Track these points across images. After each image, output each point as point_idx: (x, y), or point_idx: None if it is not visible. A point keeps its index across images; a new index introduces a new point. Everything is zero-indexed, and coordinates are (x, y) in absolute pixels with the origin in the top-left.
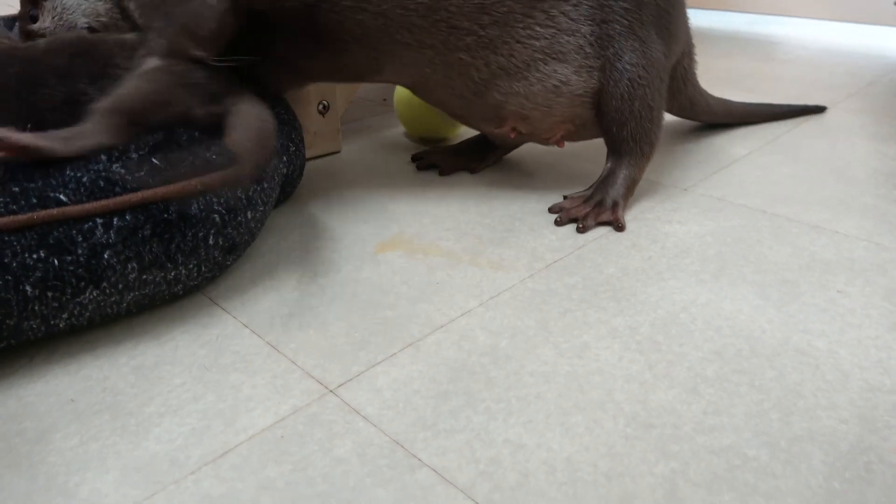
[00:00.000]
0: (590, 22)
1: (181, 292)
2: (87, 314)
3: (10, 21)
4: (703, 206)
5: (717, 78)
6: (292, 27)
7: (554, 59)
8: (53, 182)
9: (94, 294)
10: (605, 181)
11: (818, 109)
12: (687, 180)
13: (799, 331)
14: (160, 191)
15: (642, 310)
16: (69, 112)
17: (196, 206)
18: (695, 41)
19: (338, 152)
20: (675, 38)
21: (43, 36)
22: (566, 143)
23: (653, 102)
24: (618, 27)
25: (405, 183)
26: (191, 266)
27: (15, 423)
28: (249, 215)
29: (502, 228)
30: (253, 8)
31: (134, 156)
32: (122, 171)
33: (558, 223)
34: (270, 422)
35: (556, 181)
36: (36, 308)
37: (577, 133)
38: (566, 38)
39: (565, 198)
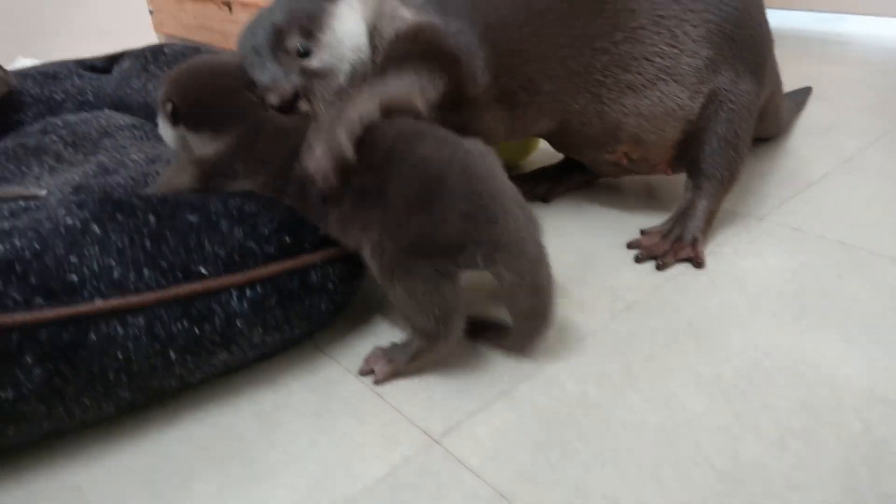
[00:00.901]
0: (710, 47)
1: (292, 345)
2: (216, 370)
3: (107, 61)
4: (779, 238)
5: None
6: (484, 101)
7: (674, 81)
8: (196, 256)
9: (225, 356)
10: (684, 214)
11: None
12: (762, 207)
13: (885, 378)
14: (287, 263)
15: (726, 355)
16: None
17: (314, 276)
18: None
19: None
20: (766, 75)
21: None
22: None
23: (741, 133)
24: (729, 55)
25: None
26: (304, 326)
27: (157, 471)
28: (356, 283)
29: (581, 265)
30: (464, 93)
31: (264, 231)
32: (254, 245)
33: (639, 260)
34: (384, 471)
35: (630, 212)
36: (177, 370)
37: (680, 158)
38: (687, 59)
39: (643, 233)
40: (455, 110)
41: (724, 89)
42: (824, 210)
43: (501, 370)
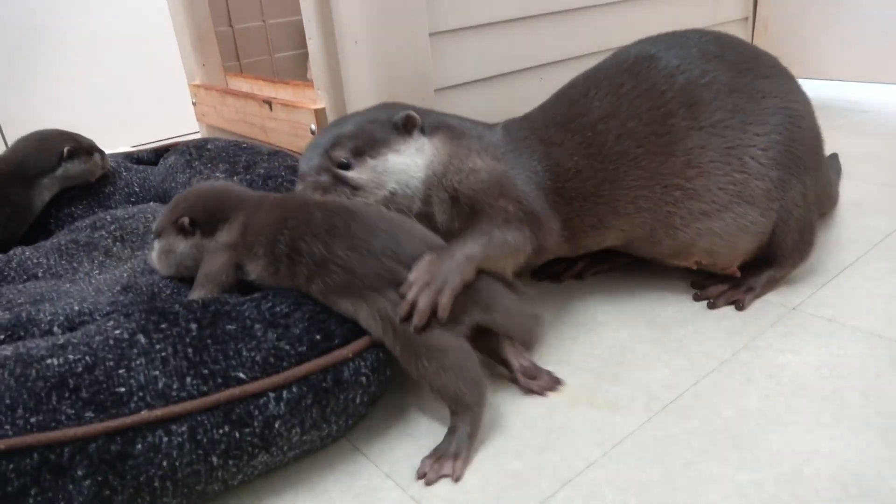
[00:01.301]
0: (778, 167)
1: (329, 443)
2: (257, 472)
3: (153, 154)
4: (814, 330)
5: None
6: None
7: (746, 202)
8: (234, 363)
9: (265, 457)
10: (751, 272)
11: None
12: (795, 296)
13: None
14: (320, 362)
15: (765, 462)
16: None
17: (347, 371)
18: None
19: None
20: (823, 165)
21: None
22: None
23: (810, 225)
24: (795, 170)
25: None
26: (341, 422)
27: None
28: (388, 371)
29: (614, 361)
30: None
31: (296, 331)
32: (287, 347)
33: (696, 298)
34: None
35: (663, 300)
36: (219, 474)
37: (750, 263)
38: (756, 182)
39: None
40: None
41: (795, 201)
42: (859, 298)
43: (539, 476)
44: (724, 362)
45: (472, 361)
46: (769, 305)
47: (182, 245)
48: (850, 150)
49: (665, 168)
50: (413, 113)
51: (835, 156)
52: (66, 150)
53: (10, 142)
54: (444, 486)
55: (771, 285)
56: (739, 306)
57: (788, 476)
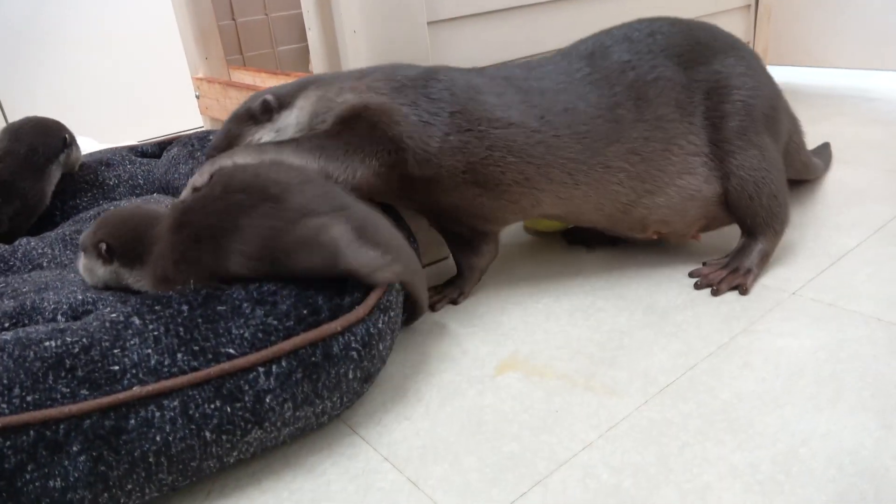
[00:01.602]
0: (709, 143)
1: (326, 422)
2: (252, 450)
3: (157, 147)
4: (813, 315)
5: (813, 147)
6: (456, 181)
7: (687, 174)
8: (224, 339)
9: (259, 433)
10: (740, 252)
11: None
12: (795, 281)
13: None
14: (308, 336)
15: (761, 443)
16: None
17: (337, 345)
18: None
19: (447, 258)
20: (783, 128)
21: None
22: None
23: (778, 192)
24: (736, 143)
25: (514, 291)
26: (335, 399)
27: None
28: (381, 346)
29: (612, 345)
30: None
31: (283, 307)
32: (275, 322)
33: (697, 287)
34: None
35: (657, 286)
36: (213, 450)
37: (709, 225)
38: (693, 158)
39: (704, 264)
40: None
41: (745, 168)
42: (859, 283)
43: (536, 457)
44: (721, 346)
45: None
46: (768, 291)
47: (101, 270)
48: (857, 138)
49: (609, 151)
50: (268, 97)
51: (826, 145)
52: (67, 136)
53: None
54: (440, 467)
55: (765, 261)
56: (743, 290)
57: (784, 456)
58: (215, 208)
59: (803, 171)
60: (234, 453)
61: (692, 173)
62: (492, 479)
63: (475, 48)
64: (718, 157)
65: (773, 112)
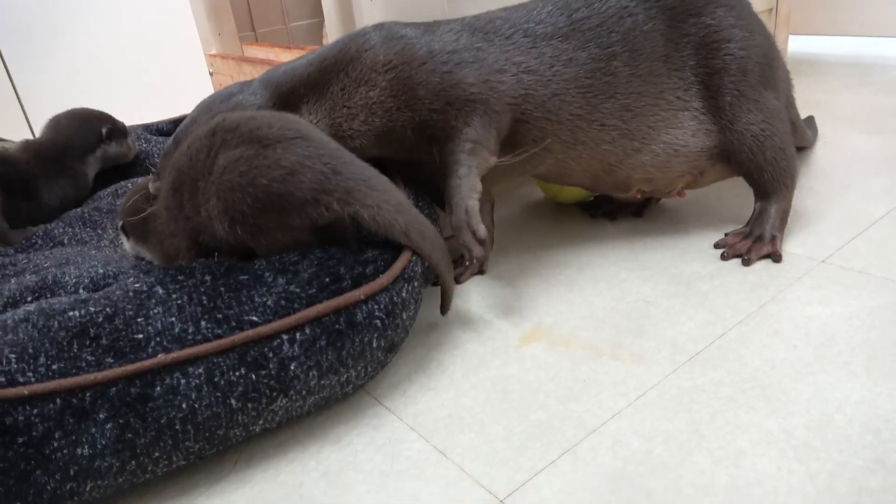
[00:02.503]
0: (700, 98)
1: (351, 391)
2: (278, 419)
3: (172, 125)
4: (844, 283)
5: (839, 117)
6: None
7: (673, 128)
8: (246, 307)
9: (284, 401)
10: (759, 217)
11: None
12: (824, 249)
13: None
14: (331, 303)
15: (795, 410)
16: None
17: (360, 314)
18: (809, 71)
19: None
20: (780, 78)
21: None
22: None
23: (783, 144)
24: (728, 98)
25: (536, 263)
26: (359, 368)
27: None
28: (405, 315)
29: (638, 315)
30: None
31: (305, 275)
32: (297, 290)
33: (724, 258)
34: None
35: (682, 255)
36: (239, 418)
37: (697, 182)
38: (682, 113)
39: (727, 234)
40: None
41: (742, 122)
42: (890, 251)
43: (564, 425)
44: (750, 315)
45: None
46: (796, 259)
47: (128, 247)
48: (882, 106)
49: (605, 107)
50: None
51: (811, 118)
52: (104, 130)
53: (31, 116)
54: (467, 435)
55: (785, 219)
56: (776, 258)
57: (819, 423)
58: (196, 148)
59: (793, 132)
60: (260, 422)
61: (679, 127)
62: (519, 447)
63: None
64: (711, 112)
65: (768, 61)
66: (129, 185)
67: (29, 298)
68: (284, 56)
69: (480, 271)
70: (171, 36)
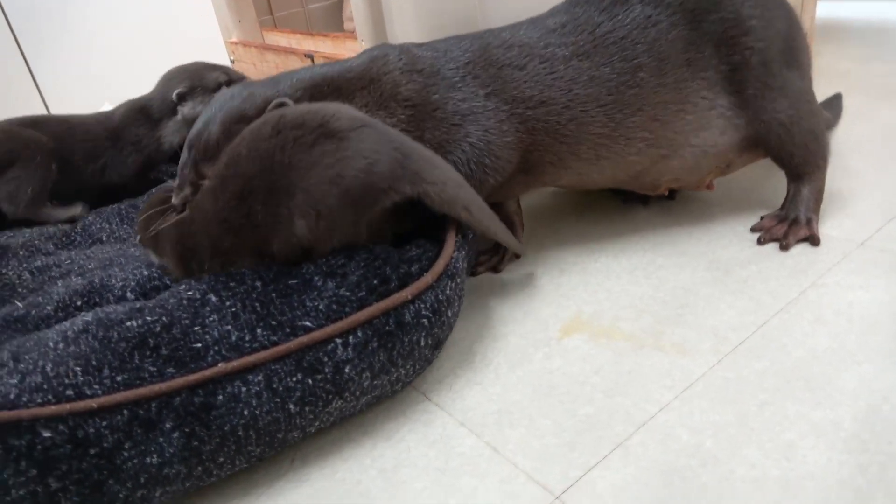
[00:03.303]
0: (726, 94)
1: (399, 389)
2: (332, 419)
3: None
4: (884, 266)
5: (869, 88)
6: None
7: (702, 130)
8: (299, 313)
9: (339, 403)
10: (793, 200)
11: None
12: (862, 231)
13: None
14: (381, 305)
15: (841, 400)
16: None
17: (408, 314)
18: (836, 38)
19: None
20: (804, 55)
21: None
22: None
23: (811, 126)
24: (752, 91)
25: (570, 250)
26: (408, 366)
27: None
28: (450, 313)
29: (677, 304)
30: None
31: (353, 278)
32: (348, 293)
33: (761, 242)
34: None
35: (718, 240)
36: (297, 421)
37: (724, 174)
38: (708, 112)
39: (762, 218)
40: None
41: (769, 111)
42: None
43: (612, 419)
44: (791, 302)
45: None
46: (834, 242)
47: (154, 258)
48: None
49: (632, 122)
50: (284, 100)
51: (838, 96)
52: (176, 92)
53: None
54: (517, 430)
55: (819, 199)
56: (815, 241)
57: (866, 414)
58: (264, 150)
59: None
60: (316, 423)
61: (707, 128)
62: (570, 442)
63: None
64: (738, 106)
65: (790, 43)
66: (168, 184)
67: (78, 303)
68: (306, 43)
69: (516, 255)
70: (190, 24)
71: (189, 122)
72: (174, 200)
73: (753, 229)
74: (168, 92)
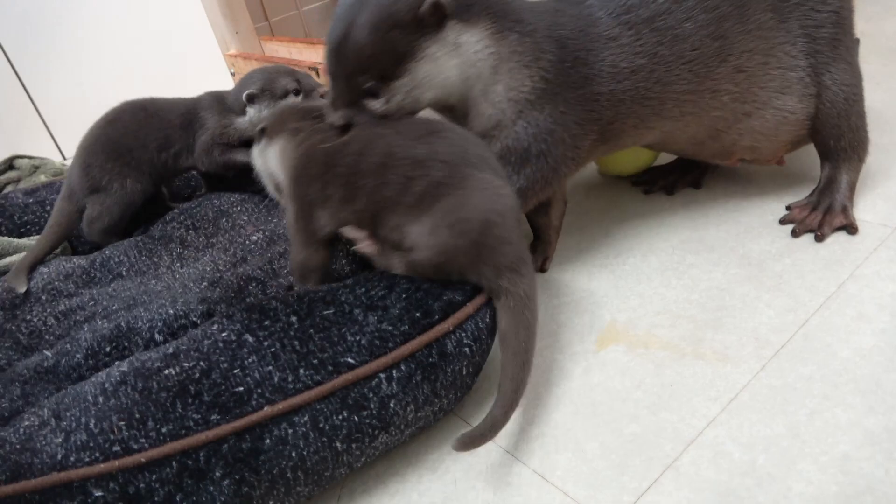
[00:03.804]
0: (805, 55)
1: (442, 417)
2: (378, 453)
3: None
4: None
5: (889, 50)
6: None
7: (783, 93)
8: (340, 349)
9: (385, 437)
10: (827, 187)
11: None
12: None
13: None
14: (423, 338)
15: (894, 404)
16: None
17: (450, 344)
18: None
19: None
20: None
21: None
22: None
23: (863, 112)
24: (829, 55)
25: (596, 252)
26: (451, 396)
27: None
28: (490, 340)
29: (713, 306)
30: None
31: (395, 311)
32: (390, 328)
33: (795, 235)
34: None
35: (747, 232)
36: (344, 458)
37: (792, 150)
38: (791, 73)
39: (788, 208)
40: None
41: (838, 83)
42: None
43: (660, 438)
44: (830, 297)
45: None
46: (867, 226)
47: (255, 149)
48: None
49: (717, 73)
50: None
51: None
52: (246, 93)
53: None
54: (563, 455)
55: (853, 192)
56: (852, 230)
57: None
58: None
59: None
60: (363, 458)
61: (788, 93)
62: (619, 465)
63: None
64: (812, 72)
65: (852, 15)
66: (176, 208)
67: (107, 349)
68: (307, 52)
69: (541, 269)
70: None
71: (254, 123)
72: (332, 119)
73: (783, 221)
74: (241, 91)
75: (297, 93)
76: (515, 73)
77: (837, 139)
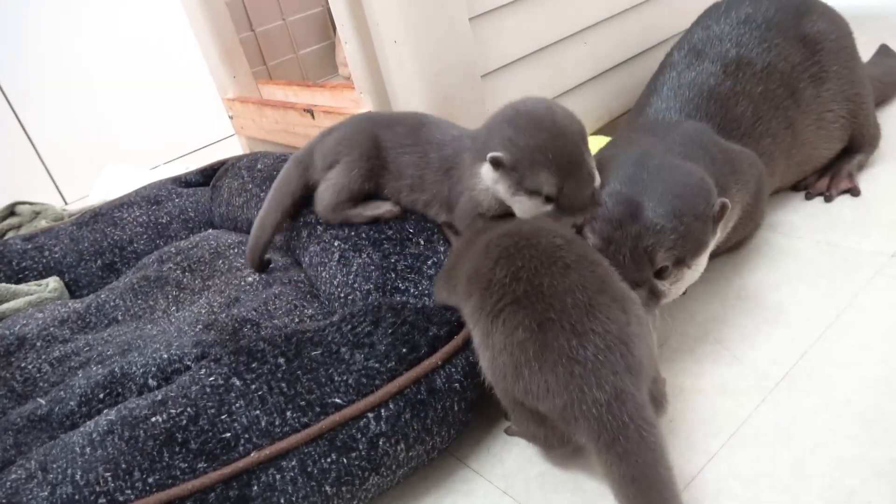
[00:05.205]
0: (846, 101)
1: (436, 456)
2: (370, 496)
3: (198, 175)
4: None
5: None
6: None
7: (830, 140)
8: (328, 389)
9: (376, 479)
10: (840, 160)
11: None
12: (892, 242)
13: None
14: (411, 374)
15: None
16: None
17: (439, 379)
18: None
19: None
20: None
21: None
22: None
23: (871, 107)
24: (854, 84)
25: None
26: (443, 433)
27: None
28: (483, 376)
29: (711, 339)
30: None
31: (381, 347)
32: (377, 365)
33: (808, 198)
34: None
35: (743, 262)
36: (335, 502)
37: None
38: (832, 125)
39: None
40: None
41: (864, 98)
42: None
43: None
44: (829, 327)
45: None
46: (862, 255)
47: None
48: None
49: (781, 140)
50: (725, 201)
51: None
52: (490, 156)
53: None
54: (563, 495)
55: (861, 166)
56: (855, 192)
57: None
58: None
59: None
60: (354, 502)
61: (832, 140)
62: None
63: (519, 35)
64: (851, 107)
65: (855, 47)
66: (172, 248)
67: (101, 395)
68: (303, 95)
69: None
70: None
71: (490, 193)
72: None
73: (809, 196)
74: (488, 143)
75: (548, 200)
76: None
77: (859, 138)
